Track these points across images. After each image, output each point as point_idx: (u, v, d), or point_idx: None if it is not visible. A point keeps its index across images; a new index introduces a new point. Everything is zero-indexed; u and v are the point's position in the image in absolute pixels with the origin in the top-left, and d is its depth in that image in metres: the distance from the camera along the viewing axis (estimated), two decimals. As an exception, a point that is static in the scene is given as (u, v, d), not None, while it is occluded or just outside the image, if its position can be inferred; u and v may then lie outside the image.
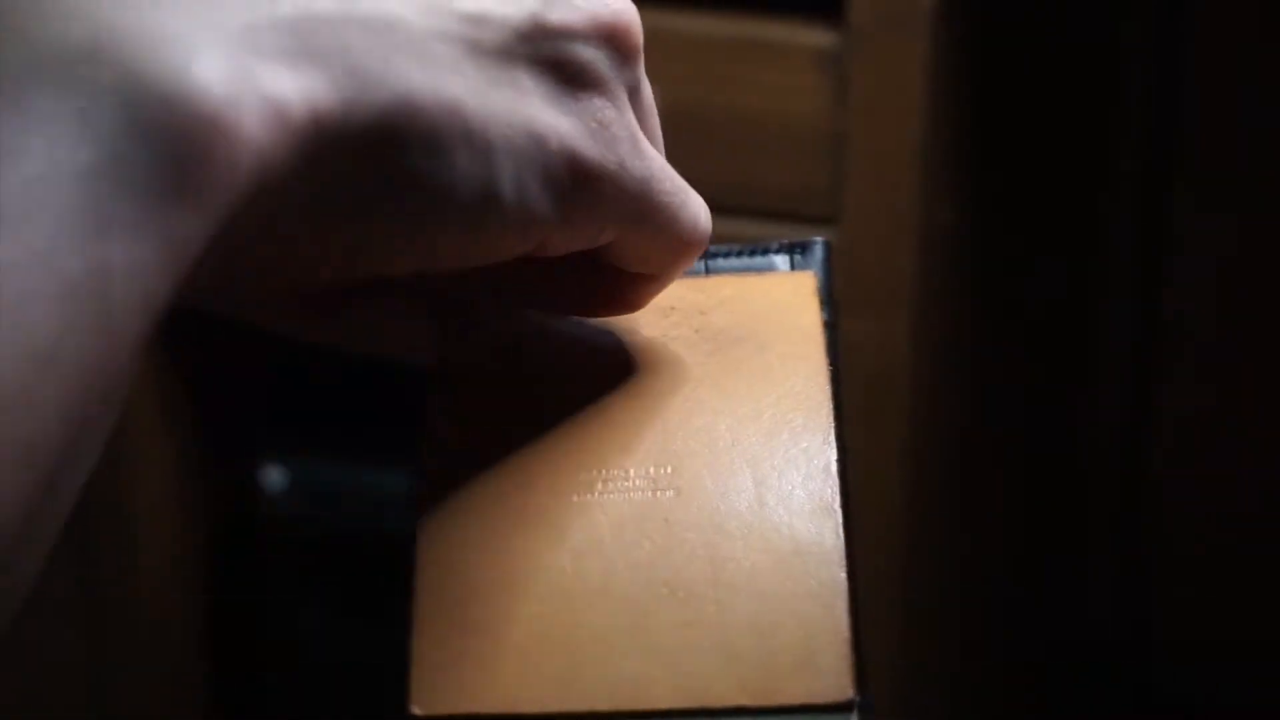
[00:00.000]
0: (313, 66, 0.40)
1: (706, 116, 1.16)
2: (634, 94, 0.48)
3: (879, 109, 1.14)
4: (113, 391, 0.38)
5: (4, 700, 1.38)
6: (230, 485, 1.38)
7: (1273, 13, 1.33)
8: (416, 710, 0.43)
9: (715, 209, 1.29)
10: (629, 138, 0.47)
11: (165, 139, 0.37)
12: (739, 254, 0.54)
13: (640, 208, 0.48)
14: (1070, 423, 1.42)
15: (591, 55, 0.46)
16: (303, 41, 0.40)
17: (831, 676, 0.43)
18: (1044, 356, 1.39)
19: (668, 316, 0.51)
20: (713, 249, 0.54)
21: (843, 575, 0.44)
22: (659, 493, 0.46)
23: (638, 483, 0.47)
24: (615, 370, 0.50)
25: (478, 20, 0.45)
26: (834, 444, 0.47)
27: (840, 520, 0.45)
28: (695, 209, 0.50)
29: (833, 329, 0.51)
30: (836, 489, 0.46)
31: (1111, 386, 1.41)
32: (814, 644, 0.43)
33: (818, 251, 0.53)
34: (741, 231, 1.16)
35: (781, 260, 0.53)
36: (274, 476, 1.37)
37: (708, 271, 0.53)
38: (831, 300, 0.52)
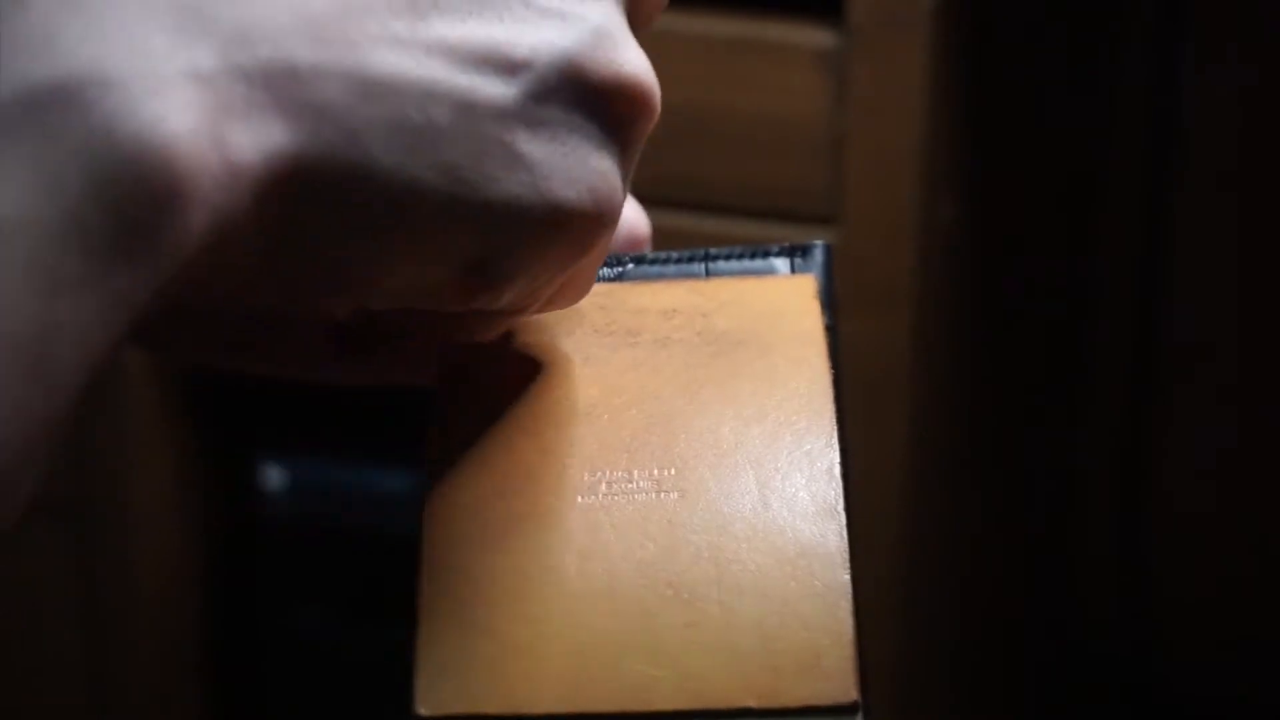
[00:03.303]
0: (280, 122, 0.39)
1: (706, 116, 1.16)
2: (628, 170, 0.46)
3: (879, 109, 1.14)
4: (48, 440, 0.37)
5: (4, 700, 1.38)
6: (230, 485, 1.38)
7: (1273, 13, 1.33)
8: (422, 711, 0.43)
9: (715, 209, 1.29)
10: (620, 198, 0.46)
11: (123, 201, 0.36)
12: (739, 256, 0.54)
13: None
14: (1071, 423, 1.42)
15: (615, 115, 0.45)
16: (275, 94, 0.39)
17: (836, 678, 0.43)
18: (1044, 356, 1.39)
19: (670, 319, 0.51)
20: (713, 251, 0.54)
21: (846, 577, 0.44)
22: (663, 495, 0.46)
23: (641, 485, 0.47)
24: (619, 372, 0.50)
25: (494, 63, 0.43)
26: (836, 446, 0.47)
27: (844, 522, 0.46)
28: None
29: (833, 332, 0.51)
30: (840, 491, 0.46)
31: (1112, 386, 1.41)
32: (818, 646, 0.43)
33: (818, 255, 0.53)
34: (741, 231, 1.16)
35: (782, 263, 0.53)
36: (274, 476, 1.37)
37: (708, 274, 0.53)
38: (832, 303, 0.52)
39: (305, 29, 0.40)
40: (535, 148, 0.43)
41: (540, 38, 0.43)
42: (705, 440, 0.48)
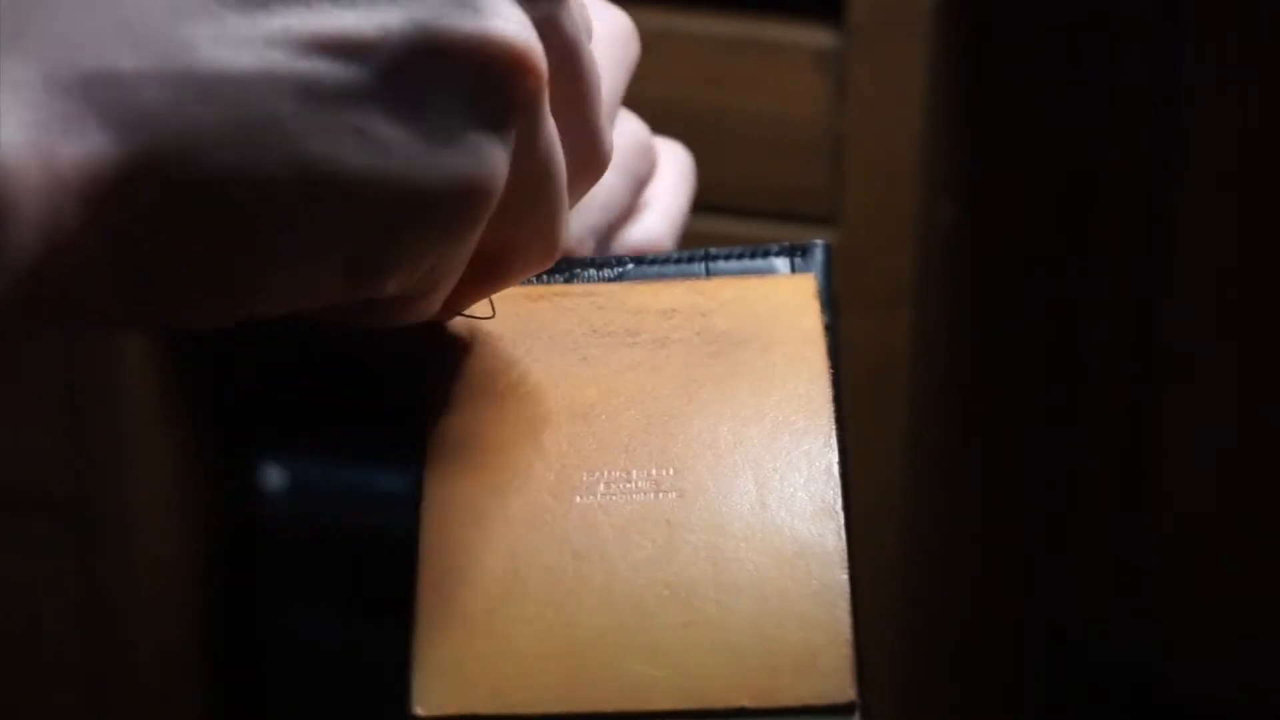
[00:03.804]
0: (105, 132, 0.39)
1: (706, 116, 1.16)
2: (529, 131, 0.44)
3: (879, 109, 1.14)
4: None
5: (4, 700, 1.38)
6: (230, 485, 1.38)
7: (1273, 13, 1.33)
8: (419, 711, 0.43)
9: (715, 209, 1.29)
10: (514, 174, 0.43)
11: None
12: (739, 256, 0.54)
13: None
14: (1071, 423, 1.42)
15: (484, 83, 0.42)
16: (99, 104, 0.39)
17: (833, 678, 0.43)
18: (1043, 356, 1.39)
19: (669, 319, 0.51)
20: (713, 251, 0.54)
21: (844, 577, 0.44)
22: (661, 494, 0.46)
23: (640, 484, 0.47)
24: (617, 373, 0.50)
25: (342, 46, 0.41)
26: (835, 446, 0.47)
27: (842, 522, 0.46)
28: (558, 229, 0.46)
29: (833, 332, 0.51)
30: (838, 491, 0.46)
31: (1112, 386, 1.41)
32: (815, 645, 0.43)
33: (818, 254, 0.53)
34: (741, 232, 1.16)
35: (782, 263, 0.53)
36: (274, 476, 1.37)
37: (708, 274, 0.53)
38: (832, 303, 0.52)
39: (129, 35, 0.39)
40: (393, 130, 0.41)
41: (391, 14, 0.41)
42: (704, 440, 0.48)
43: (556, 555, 0.45)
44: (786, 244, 0.54)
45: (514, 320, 0.51)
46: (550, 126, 0.44)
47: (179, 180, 0.40)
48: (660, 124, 1.18)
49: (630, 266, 0.53)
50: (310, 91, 0.41)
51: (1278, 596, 1.42)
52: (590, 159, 0.47)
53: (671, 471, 0.47)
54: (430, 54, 0.42)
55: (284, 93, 0.40)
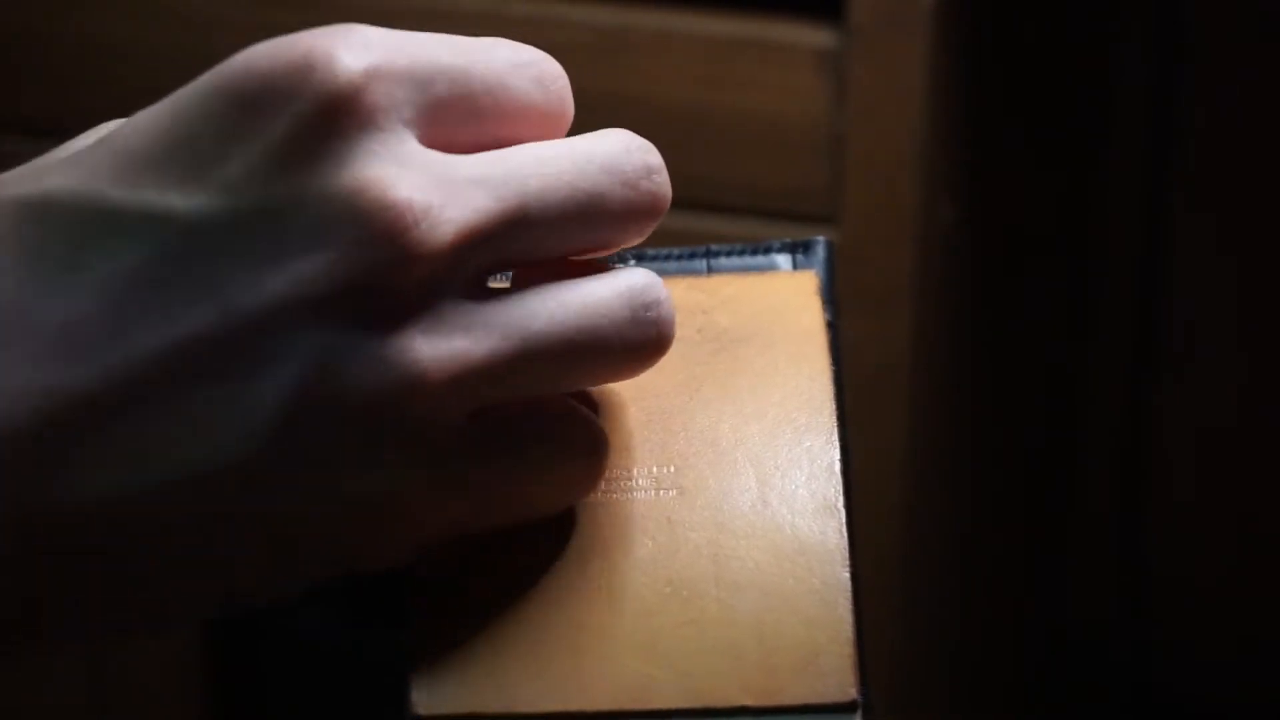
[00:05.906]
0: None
1: (706, 116, 1.15)
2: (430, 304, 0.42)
3: (879, 109, 1.14)
4: None
5: (4, 700, 1.38)
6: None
7: (1273, 13, 1.33)
8: (419, 711, 0.43)
9: (715, 209, 1.28)
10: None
11: None
12: (741, 253, 0.54)
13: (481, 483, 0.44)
14: (1070, 422, 1.42)
15: (370, 433, 0.41)
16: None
17: (834, 676, 0.43)
18: (1044, 355, 1.39)
19: (670, 316, 0.51)
20: (714, 248, 0.54)
21: (846, 575, 0.44)
22: (662, 492, 0.46)
23: (640, 482, 0.47)
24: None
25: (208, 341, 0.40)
26: (837, 443, 0.47)
27: (844, 519, 0.45)
28: (568, 444, 0.45)
29: (835, 329, 0.51)
30: (840, 488, 0.46)
31: (1112, 386, 1.41)
32: (817, 644, 0.43)
33: (820, 251, 0.53)
34: (741, 231, 1.16)
35: (784, 260, 0.53)
36: (274, 476, 1.37)
37: (710, 270, 0.53)
38: (834, 300, 0.52)
39: (13, 525, 0.40)
40: (294, 496, 0.42)
41: (273, 376, 0.41)
42: (705, 437, 0.47)
43: (556, 554, 0.45)
44: (788, 241, 0.53)
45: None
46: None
47: (86, 543, 0.41)
48: (660, 124, 1.18)
49: (632, 264, 0.53)
50: (200, 379, 0.41)
51: (1278, 596, 1.42)
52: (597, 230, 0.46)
53: (672, 469, 0.47)
54: (321, 420, 0.41)
55: (165, 410, 0.41)
